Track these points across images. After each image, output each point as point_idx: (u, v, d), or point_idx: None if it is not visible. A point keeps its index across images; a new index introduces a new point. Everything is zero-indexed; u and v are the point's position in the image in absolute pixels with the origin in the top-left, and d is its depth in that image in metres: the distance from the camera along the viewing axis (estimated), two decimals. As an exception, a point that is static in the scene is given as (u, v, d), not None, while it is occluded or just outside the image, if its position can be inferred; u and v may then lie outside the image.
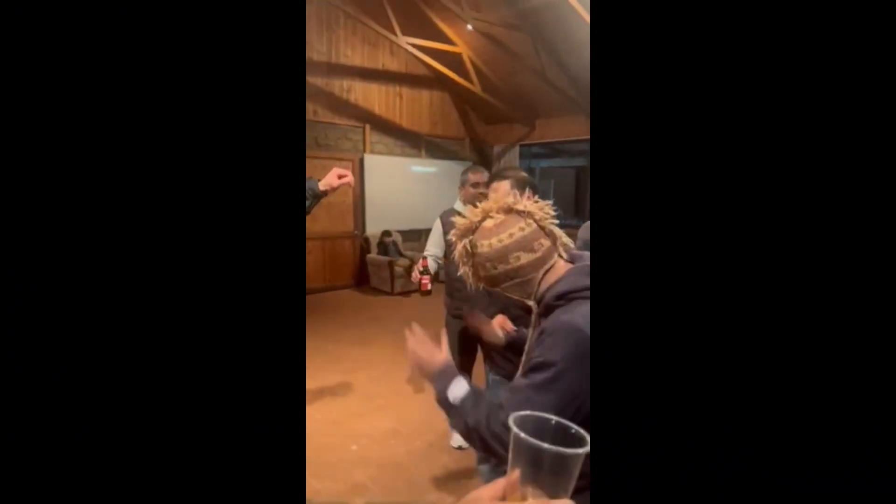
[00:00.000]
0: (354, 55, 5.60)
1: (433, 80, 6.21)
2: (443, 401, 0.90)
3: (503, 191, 1.55)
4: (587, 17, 3.97)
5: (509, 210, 0.93)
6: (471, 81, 5.58)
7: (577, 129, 5.92)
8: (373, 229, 5.87)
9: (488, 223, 0.94)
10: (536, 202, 0.92)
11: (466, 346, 2.03)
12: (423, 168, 6.26)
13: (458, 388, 0.88)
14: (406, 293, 5.38)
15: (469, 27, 4.85)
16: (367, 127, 5.80)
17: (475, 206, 0.99)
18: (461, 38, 5.31)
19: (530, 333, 0.99)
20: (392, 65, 5.92)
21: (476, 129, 6.80)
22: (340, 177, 1.42)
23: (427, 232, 2.25)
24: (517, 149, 6.46)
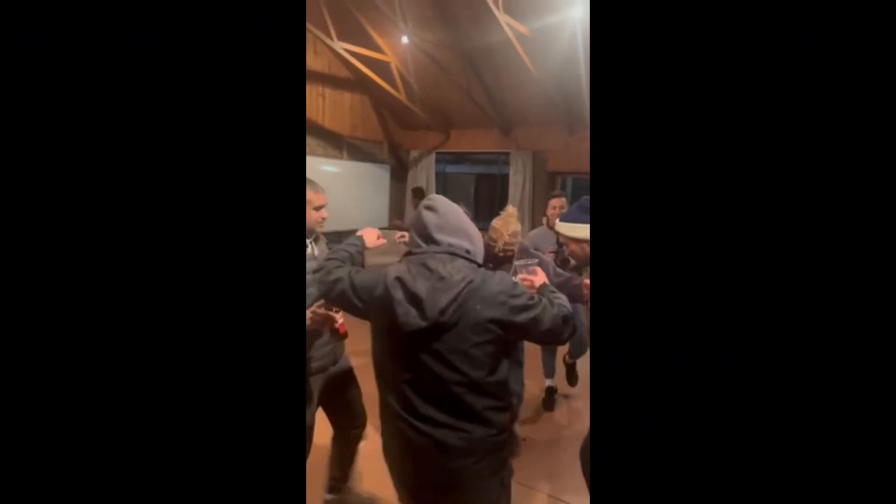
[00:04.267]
0: (279, 52, 5.43)
1: (354, 83, 6.27)
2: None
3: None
4: (527, 58, 4.50)
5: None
6: (397, 89, 5.79)
7: (489, 142, 6.49)
8: (296, 230, 5.74)
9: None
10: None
11: None
12: (331, 168, 6.25)
13: None
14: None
15: (405, 40, 5.07)
16: (291, 126, 5.66)
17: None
18: (392, 49, 5.50)
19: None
20: (315, 65, 5.85)
21: (393, 133, 7.01)
22: (378, 237, 1.66)
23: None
24: (433, 155, 6.83)
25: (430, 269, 1.10)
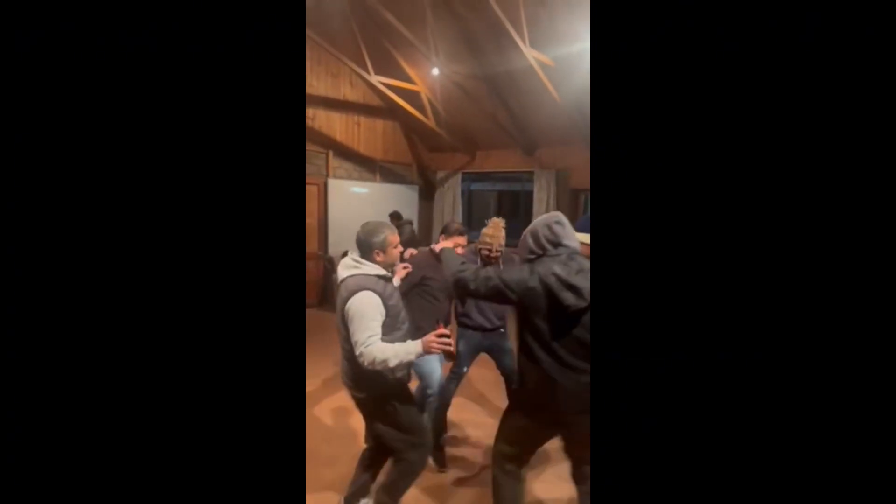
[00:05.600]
0: (319, 85, 5.91)
1: (386, 111, 6.71)
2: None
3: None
4: (551, 86, 4.86)
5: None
6: (426, 116, 6.21)
7: (513, 161, 6.85)
8: (335, 250, 6.15)
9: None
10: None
11: None
12: (364, 189, 6.67)
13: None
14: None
15: (435, 72, 5.48)
16: (330, 153, 6.11)
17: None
18: (421, 79, 5.92)
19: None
20: (351, 95, 6.31)
21: (422, 155, 7.42)
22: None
23: None
24: (459, 175, 7.21)
25: (569, 266, 1.58)
